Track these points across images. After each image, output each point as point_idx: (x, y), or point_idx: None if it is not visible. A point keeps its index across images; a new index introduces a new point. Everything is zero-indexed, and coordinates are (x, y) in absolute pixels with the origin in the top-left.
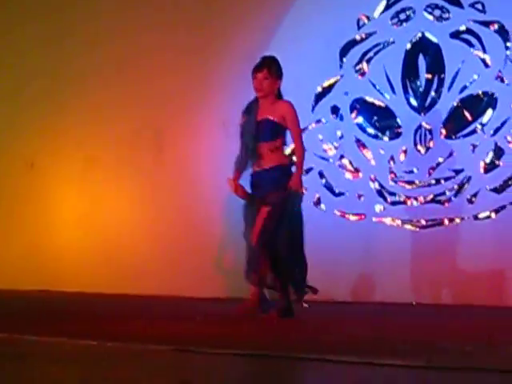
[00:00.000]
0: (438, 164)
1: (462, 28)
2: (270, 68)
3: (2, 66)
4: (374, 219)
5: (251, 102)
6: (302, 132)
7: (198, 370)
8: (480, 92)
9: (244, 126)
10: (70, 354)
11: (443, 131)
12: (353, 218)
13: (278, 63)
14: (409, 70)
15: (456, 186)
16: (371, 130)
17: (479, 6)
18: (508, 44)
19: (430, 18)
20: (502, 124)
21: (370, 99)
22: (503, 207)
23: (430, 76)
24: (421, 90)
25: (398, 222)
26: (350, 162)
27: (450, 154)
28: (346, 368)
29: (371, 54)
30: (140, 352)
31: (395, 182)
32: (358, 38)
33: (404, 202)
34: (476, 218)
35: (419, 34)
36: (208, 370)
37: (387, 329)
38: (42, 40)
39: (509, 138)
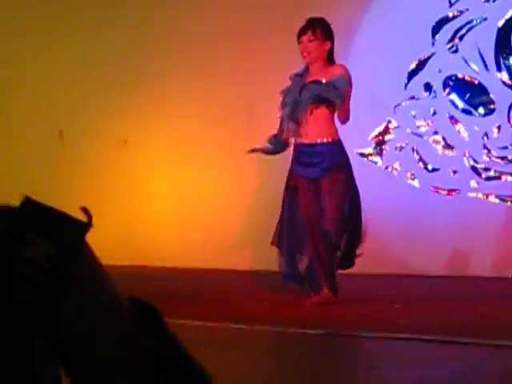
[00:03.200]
0: None
1: None
2: (314, 28)
3: (93, 48)
4: (468, 194)
5: (301, 69)
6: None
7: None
8: None
9: (287, 89)
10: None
11: None
12: (447, 193)
13: (324, 23)
14: (502, 47)
15: None
16: (464, 106)
17: None
18: None
19: None
20: None
21: (462, 76)
22: None
23: None
24: None
25: (492, 197)
26: (444, 139)
27: None
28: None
29: (463, 31)
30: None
31: (489, 157)
32: (450, 15)
33: (498, 178)
34: None
35: None
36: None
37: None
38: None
39: None
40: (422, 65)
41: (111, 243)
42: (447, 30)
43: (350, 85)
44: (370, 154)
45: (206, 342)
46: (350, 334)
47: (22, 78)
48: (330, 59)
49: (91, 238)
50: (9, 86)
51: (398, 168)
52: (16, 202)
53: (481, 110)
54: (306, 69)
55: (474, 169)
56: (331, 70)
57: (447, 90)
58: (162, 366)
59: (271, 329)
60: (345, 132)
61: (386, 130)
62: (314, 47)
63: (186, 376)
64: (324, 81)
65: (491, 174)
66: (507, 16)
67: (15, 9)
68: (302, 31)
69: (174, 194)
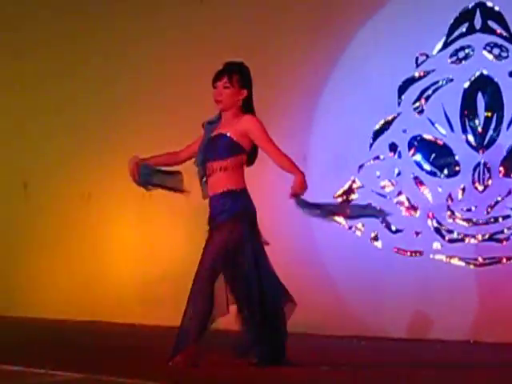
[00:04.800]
0: (497, 202)
1: None
2: (230, 75)
3: (60, 103)
4: (431, 256)
5: (213, 117)
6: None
7: None
8: None
9: (201, 145)
10: None
11: (502, 169)
12: (410, 255)
13: (242, 70)
14: (467, 108)
15: None
16: (429, 168)
17: None
18: None
19: (489, 56)
20: None
21: (428, 137)
22: None
23: (488, 114)
24: (479, 128)
25: (456, 259)
26: (408, 199)
27: (509, 193)
28: None
29: (429, 91)
30: None
31: (453, 219)
32: (416, 75)
33: (462, 240)
34: None
35: (478, 73)
36: None
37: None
38: (98, 79)
39: None
40: (387, 125)
41: (72, 298)
42: (413, 90)
43: (263, 127)
44: None
45: None
46: None
47: None
48: (245, 108)
49: (54, 293)
50: None
51: (362, 228)
52: None
53: (445, 172)
54: (219, 116)
55: (437, 230)
56: (239, 120)
57: (412, 151)
58: None
59: None
60: (308, 190)
61: (350, 190)
62: (229, 95)
63: None
64: (228, 134)
65: (455, 236)
66: (473, 78)
67: None
68: (217, 77)
69: (137, 249)
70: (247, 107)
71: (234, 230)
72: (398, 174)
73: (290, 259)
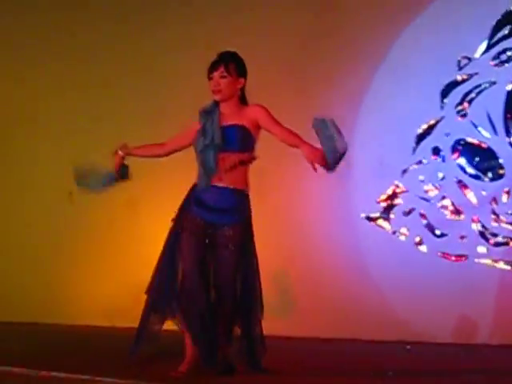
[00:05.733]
0: None
1: None
2: (227, 64)
3: (106, 111)
4: (476, 260)
5: (209, 105)
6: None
7: None
8: None
9: (202, 131)
10: None
11: None
12: (455, 259)
13: (237, 58)
14: (511, 111)
15: None
16: (473, 171)
17: None
18: None
19: None
20: None
21: (471, 140)
22: None
23: None
24: None
25: (501, 263)
26: (452, 203)
27: None
28: None
29: (473, 94)
30: None
31: (498, 223)
32: (459, 78)
33: (507, 244)
34: None
35: None
36: None
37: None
38: (143, 86)
39: None
40: (430, 129)
41: (119, 305)
42: (456, 94)
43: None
44: (378, 219)
45: None
46: None
47: (36, 136)
48: (242, 98)
49: (100, 300)
50: (24, 145)
51: (406, 233)
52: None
53: (489, 175)
54: (215, 105)
55: (482, 234)
56: (247, 111)
57: (456, 154)
58: None
59: None
60: (352, 196)
61: (394, 195)
62: (227, 84)
63: None
64: (245, 124)
65: (500, 239)
66: None
67: (31, 70)
68: (213, 67)
69: None
70: (244, 97)
71: (244, 234)
72: (442, 178)
73: (335, 265)
